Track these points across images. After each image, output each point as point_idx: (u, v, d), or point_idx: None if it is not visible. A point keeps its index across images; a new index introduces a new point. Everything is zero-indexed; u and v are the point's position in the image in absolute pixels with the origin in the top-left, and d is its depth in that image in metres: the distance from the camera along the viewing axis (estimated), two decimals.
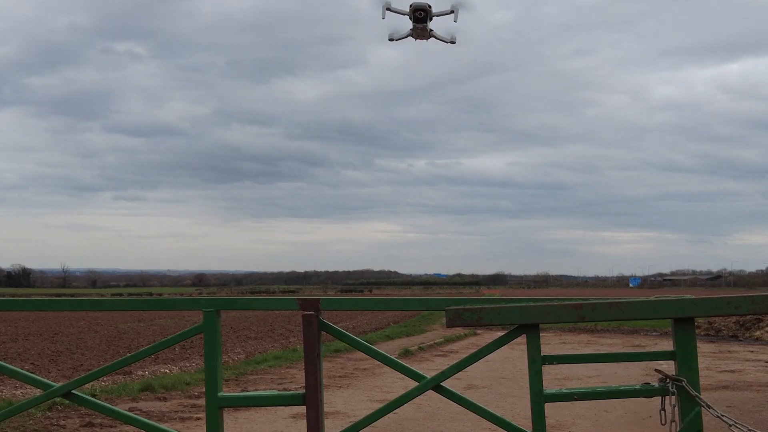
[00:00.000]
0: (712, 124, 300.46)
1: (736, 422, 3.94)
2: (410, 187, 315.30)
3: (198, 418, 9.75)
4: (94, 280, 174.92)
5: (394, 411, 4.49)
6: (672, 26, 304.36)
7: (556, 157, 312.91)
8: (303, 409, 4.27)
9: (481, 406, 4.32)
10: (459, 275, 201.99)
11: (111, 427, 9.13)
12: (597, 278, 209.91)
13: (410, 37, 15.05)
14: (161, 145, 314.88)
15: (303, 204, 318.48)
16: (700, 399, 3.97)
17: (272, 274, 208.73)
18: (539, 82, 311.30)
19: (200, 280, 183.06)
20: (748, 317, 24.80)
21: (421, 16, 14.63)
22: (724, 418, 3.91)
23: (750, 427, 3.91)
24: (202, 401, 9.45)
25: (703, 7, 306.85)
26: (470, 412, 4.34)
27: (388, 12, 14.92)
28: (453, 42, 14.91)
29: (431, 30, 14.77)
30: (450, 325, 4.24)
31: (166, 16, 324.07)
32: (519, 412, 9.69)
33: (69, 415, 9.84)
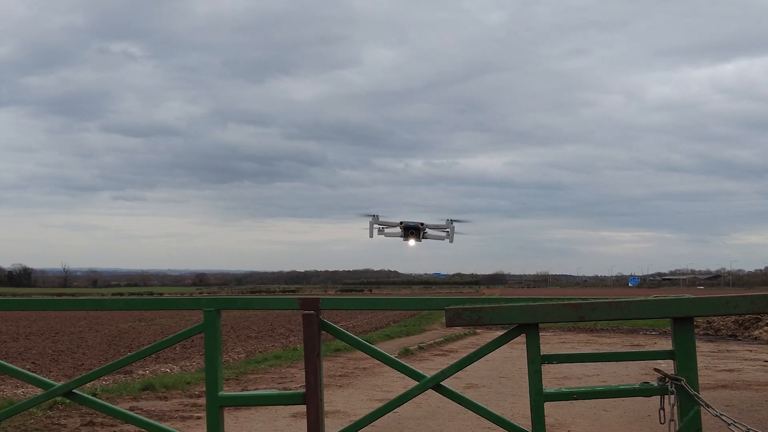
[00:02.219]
0: (708, 123, 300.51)
1: (734, 421, 3.95)
2: (408, 187, 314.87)
3: (198, 417, 9.77)
4: (95, 279, 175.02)
5: (394, 410, 4.49)
6: (666, 26, 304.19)
7: (553, 157, 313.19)
8: (303, 408, 4.28)
9: (481, 405, 4.33)
10: (458, 275, 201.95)
11: (112, 426, 9.14)
12: (596, 278, 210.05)
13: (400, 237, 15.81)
14: (159, 145, 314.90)
15: (302, 204, 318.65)
16: (699, 398, 3.98)
17: (272, 273, 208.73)
18: (534, 82, 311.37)
19: (201, 279, 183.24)
20: (746, 317, 24.83)
21: (412, 234, 15.26)
22: (723, 417, 3.92)
23: (749, 426, 3.92)
24: (202, 400, 9.47)
25: (697, 8, 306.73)
26: (470, 411, 4.34)
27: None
28: (450, 240, 15.61)
29: (425, 233, 15.41)
30: (450, 324, 4.25)
31: (162, 16, 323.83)
32: (519, 411, 9.70)
33: (70, 414, 9.85)
